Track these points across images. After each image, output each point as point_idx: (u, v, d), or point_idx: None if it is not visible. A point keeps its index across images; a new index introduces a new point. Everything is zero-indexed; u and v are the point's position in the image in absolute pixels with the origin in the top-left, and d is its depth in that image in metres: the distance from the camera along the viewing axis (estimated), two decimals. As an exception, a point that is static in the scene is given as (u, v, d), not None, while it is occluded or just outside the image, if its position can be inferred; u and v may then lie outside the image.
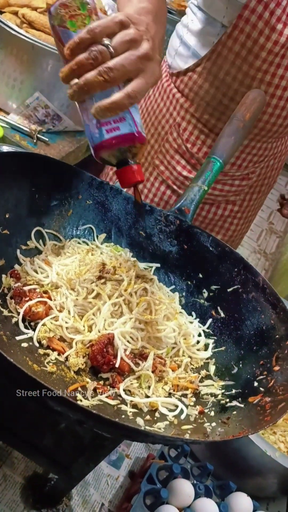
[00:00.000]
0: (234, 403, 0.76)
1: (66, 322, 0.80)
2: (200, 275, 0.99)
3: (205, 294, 0.98)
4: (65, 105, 1.45)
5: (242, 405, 0.74)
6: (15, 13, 1.39)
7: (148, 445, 1.23)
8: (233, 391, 0.79)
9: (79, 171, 0.98)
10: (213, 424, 0.72)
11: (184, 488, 1.10)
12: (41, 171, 0.92)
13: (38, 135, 1.44)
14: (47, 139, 1.46)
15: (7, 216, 0.86)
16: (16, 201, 0.89)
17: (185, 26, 1.39)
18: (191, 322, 0.94)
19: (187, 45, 1.38)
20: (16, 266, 0.87)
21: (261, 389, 0.76)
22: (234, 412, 0.73)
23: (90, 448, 0.90)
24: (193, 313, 0.97)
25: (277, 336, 0.83)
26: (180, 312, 0.95)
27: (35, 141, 1.43)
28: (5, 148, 1.27)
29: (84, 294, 0.84)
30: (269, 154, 1.44)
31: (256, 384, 0.78)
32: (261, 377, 0.78)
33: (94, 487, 1.17)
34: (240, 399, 0.76)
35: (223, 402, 0.77)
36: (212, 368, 0.86)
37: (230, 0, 1.21)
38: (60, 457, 0.97)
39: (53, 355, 0.77)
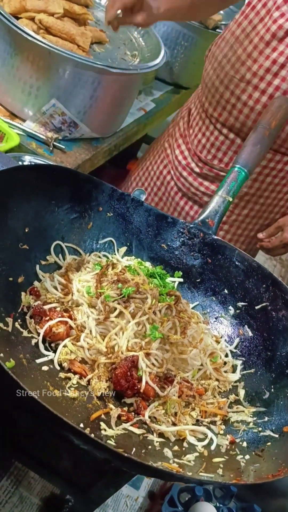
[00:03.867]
0: (268, 432, 0.71)
1: (87, 343, 0.76)
2: (226, 291, 0.95)
3: (232, 311, 0.93)
4: (81, 112, 1.42)
5: (276, 436, 0.69)
6: (32, 19, 1.36)
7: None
8: (266, 418, 0.74)
9: (100, 182, 0.94)
10: (247, 456, 0.67)
11: (207, 512, 1.05)
12: (61, 183, 0.89)
13: (54, 143, 1.41)
14: (63, 147, 1.42)
15: (26, 230, 0.83)
16: (35, 214, 0.85)
17: None
18: (217, 342, 0.89)
19: None
20: (36, 283, 0.83)
21: (296, 417, 0.71)
22: (269, 444, 0.68)
23: (110, 472, 0.85)
24: (219, 331, 0.92)
25: (311, 358, 0.78)
26: (206, 331, 0.90)
27: (51, 148, 1.40)
28: (27, 158, 1.24)
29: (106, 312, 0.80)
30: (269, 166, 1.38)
31: (290, 411, 0.73)
32: (296, 404, 0.73)
33: (113, 509, 1.12)
34: (274, 428, 0.71)
35: (255, 431, 0.72)
36: (242, 393, 0.81)
37: None
38: (78, 479, 0.93)
39: (75, 378, 0.73)
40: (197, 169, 1.45)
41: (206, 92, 1.40)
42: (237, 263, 0.94)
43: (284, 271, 3.17)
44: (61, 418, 0.49)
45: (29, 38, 1.27)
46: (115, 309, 0.80)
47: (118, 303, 0.80)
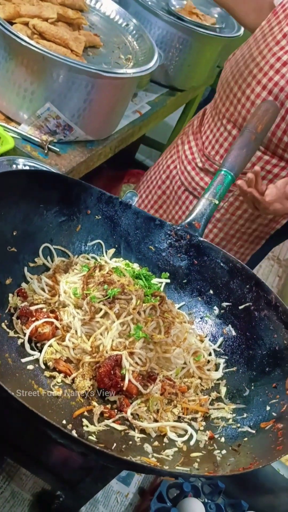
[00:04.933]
0: (246, 428, 0.73)
1: (72, 343, 0.79)
2: (211, 291, 0.97)
3: (216, 311, 0.95)
4: (76, 116, 1.44)
5: (253, 431, 0.72)
6: (26, 24, 1.38)
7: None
8: (245, 415, 0.77)
9: (88, 186, 0.97)
10: (223, 451, 0.70)
11: (195, 508, 1.08)
12: (49, 187, 0.91)
13: (49, 146, 1.43)
14: (58, 150, 1.44)
15: (14, 233, 0.85)
16: (23, 217, 0.88)
17: None
18: (201, 341, 0.91)
19: None
20: (23, 284, 0.86)
21: (273, 414, 0.73)
22: (245, 439, 0.71)
23: (97, 468, 0.88)
24: (203, 331, 0.94)
25: (290, 357, 0.80)
26: (190, 330, 0.92)
27: (46, 151, 1.42)
28: (21, 161, 1.26)
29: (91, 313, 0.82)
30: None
31: (268, 408, 0.75)
32: (274, 400, 0.76)
33: (103, 505, 1.15)
34: (251, 424, 0.73)
35: (234, 427, 0.75)
36: (223, 390, 0.83)
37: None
38: (67, 475, 0.95)
39: (59, 377, 0.75)
40: (200, 164, 1.52)
41: (221, 91, 1.48)
42: (222, 264, 0.96)
43: (282, 271, 3.18)
44: (36, 413, 0.51)
45: (23, 43, 1.29)
46: (101, 309, 0.82)
47: (104, 304, 0.83)
